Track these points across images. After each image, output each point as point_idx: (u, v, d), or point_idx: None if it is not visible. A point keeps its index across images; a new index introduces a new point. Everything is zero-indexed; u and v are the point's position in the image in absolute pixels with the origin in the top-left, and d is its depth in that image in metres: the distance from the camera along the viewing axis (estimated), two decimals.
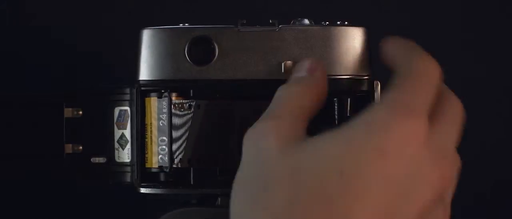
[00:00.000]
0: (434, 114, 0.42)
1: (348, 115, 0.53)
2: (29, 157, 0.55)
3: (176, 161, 0.52)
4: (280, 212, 0.40)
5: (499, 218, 0.75)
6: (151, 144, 0.52)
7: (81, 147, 0.54)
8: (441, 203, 0.41)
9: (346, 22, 0.52)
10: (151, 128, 0.52)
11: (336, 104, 0.53)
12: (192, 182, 0.52)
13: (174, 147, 0.51)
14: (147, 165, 0.52)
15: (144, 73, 0.52)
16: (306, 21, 0.52)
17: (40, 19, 0.73)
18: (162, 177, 0.52)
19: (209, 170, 0.52)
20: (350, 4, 0.74)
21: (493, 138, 0.75)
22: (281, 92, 0.46)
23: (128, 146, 0.54)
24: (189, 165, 0.52)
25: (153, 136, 0.52)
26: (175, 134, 0.51)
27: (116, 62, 0.71)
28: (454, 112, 0.44)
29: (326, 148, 0.40)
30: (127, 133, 0.54)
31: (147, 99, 0.52)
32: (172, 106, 0.52)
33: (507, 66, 0.75)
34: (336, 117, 0.53)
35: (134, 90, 0.52)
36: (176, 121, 0.52)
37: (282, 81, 0.51)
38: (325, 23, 0.52)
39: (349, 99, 0.53)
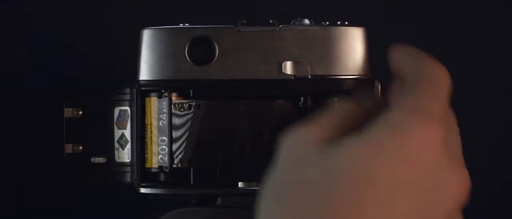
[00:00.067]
0: (444, 120, 0.42)
1: None
2: (29, 157, 0.55)
3: (176, 161, 0.52)
4: (311, 214, 0.39)
5: (499, 218, 0.75)
6: (151, 144, 0.52)
7: (81, 147, 0.54)
8: (459, 211, 0.41)
9: (346, 22, 0.52)
10: (151, 128, 0.52)
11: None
12: (192, 182, 0.52)
13: (174, 147, 0.51)
14: (147, 165, 0.52)
15: (144, 73, 0.52)
16: (306, 21, 0.52)
17: (40, 19, 0.73)
18: (162, 177, 0.52)
19: (209, 170, 0.52)
20: (350, 4, 0.74)
21: (493, 138, 0.75)
22: (326, 107, 0.45)
23: (128, 146, 0.54)
24: (189, 165, 0.52)
25: (153, 136, 0.52)
26: (175, 134, 0.51)
27: (116, 62, 0.71)
28: (455, 119, 0.45)
29: (357, 152, 0.40)
30: (127, 133, 0.54)
31: (147, 99, 0.52)
32: (172, 106, 0.52)
33: (507, 66, 0.75)
34: None
35: (134, 90, 0.52)
36: (176, 121, 0.52)
37: (282, 81, 0.51)
38: (325, 23, 0.52)
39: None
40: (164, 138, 0.52)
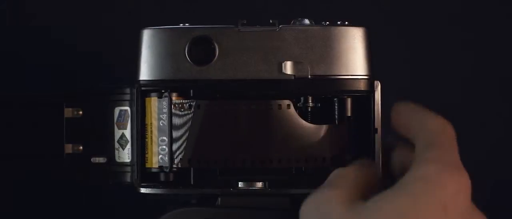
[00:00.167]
0: None
1: (348, 114, 0.53)
2: (29, 157, 0.55)
3: (176, 161, 0.52)
4: None
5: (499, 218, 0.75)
6: (151, 144, 0.52)
7: (81, 147, 0.54)
8: None
9: (346, 22, 0.52)
10: (151, 128, 0.52)
11: (336, 104, 0.53)
12: (192, 182, 0.52)
13: (174, 147, 0.51)
14: (147, 165, 0.52)
15: (144, 73, 0.52)
16: (306, 21, 0.52)
17: (40, 19, 0.73)
18: (162, 177, 0.52)
19: (209, 170, 0.52)
20: (350, 4, 0.74)
21: (493, 138, 0.75)
22: (338, 171, 0.48)
23: (128, 146, 0.54)
24: (189, 165, 0.52)
25: (153, 136, 0.52)
26: (175, 134, 0.51)
27: (116, 62, 0.71)
28: None
29: (391, 206, 0.43)
30: (127, 133, 0.54)
31: (147, 99, 0.52)
32: (172, 106, 0.52)
33: (507, 66, 0.75)
34: (336, 116, 0.53)
35: (134, 90, 0.52)
36: (176, 121, 0.52)
37: (282, 81, 0.51)
38: (325, 23, 0.52)
39: (349, 99, 0.53)
40: (164, 138, 0.52)
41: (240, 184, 0.52)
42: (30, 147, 0.55)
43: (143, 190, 0.52)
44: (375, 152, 0.51)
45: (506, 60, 0.75)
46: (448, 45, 0.75)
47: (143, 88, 0.52)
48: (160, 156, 0.52)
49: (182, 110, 0.52)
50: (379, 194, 0.44)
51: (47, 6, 0.73)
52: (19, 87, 0.72)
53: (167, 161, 0.52)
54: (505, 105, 0.75)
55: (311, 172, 0.51)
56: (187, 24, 0.52)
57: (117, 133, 0.54)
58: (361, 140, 0.52)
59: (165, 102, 0.52)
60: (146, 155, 0.52)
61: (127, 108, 0.54)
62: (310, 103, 0.52)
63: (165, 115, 0.52)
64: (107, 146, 0.54)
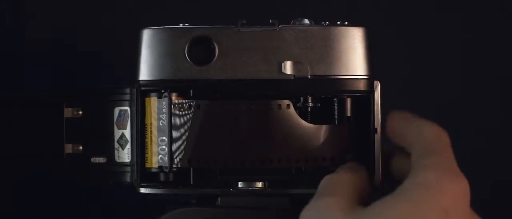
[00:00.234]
0: None
1: (348, 114, 0.53)
2: (29, 157, 0.55)
3: (176, 161, 0.52)
4: None
5: (499, 218, 0.75)
6: (151, 144, 0.52)
7: (81, 147, 0.54)
8: None
9: (346, 22, 0.52)
10: (151, 128, 0.52)
11: (336, 104, 0.53)
12: (192, 182, 0.52)
13: (174, 147, 0.51)
14: (147, 165, 0.52)
15: (144, 73, 0.52)
16: (306, 21, 0.52)
17: (40, 19, 0.73)
18: (162, 177, 0.52)
19: (209, 170, 0.52)
20: (350, 4, 0.74)
21: (493, 138, 0.75)
22: (330, 178, 0.49)
23: (128, 146, 0.54)
24: (189, 165, 0.52)
25: (153, 136, 0.52)
26: (175, 134, 0.51)
27: (116, 62, 0.71)
28: None
29: (392, 212, 0.43)
30: (127, 133, 0.54)
31: (147, 99, 0.52)
32: (172, 106, 0.52)
33: (507, 66, 0.75)
34: (336, 116, 0.53)
35: (134, 90, 0.52)
36: (176, 121, 0.52)
37: (282, 81, 0.51)
38: (325, 23, 0.52)
39: (349, 100, 0.53)
40: (164, 138, 0.52)
41: (240, 184, 0.52)
42: (30, 147, 0.55)
43: (143, 190, 0.52)
44: (374, 152, 0.51)
45: (506, 60, 0.75)
46: (448, 45, 0.75)
47: (143, 88, 0.52)
48: (160, 156, 0.52)
49: (182, 110, 0.52)
50: (379, 200, 0.44)
51: (47, 6, 0.73)
52: (19, 87, 0.72)
53: (167, 161, 0.52)
54: (505, 105, 0.75)
55: (311, 172, 0.51)
56: (187, 24, 0.52)
57: (117, 133, 0.54)
58: (361, 140, 0.52)
59: (165, 102, 0.52)
60: (146, 155, 0.52)
61: (127, 108, 0.54)
62: (310, 103, 0.52)
63: (165, 115, 0.52)
64: (107, 146, 0.54)
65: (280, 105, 0.51)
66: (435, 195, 0.43)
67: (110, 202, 0.72)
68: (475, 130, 0.75)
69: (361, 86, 0.52)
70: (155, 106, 0.52)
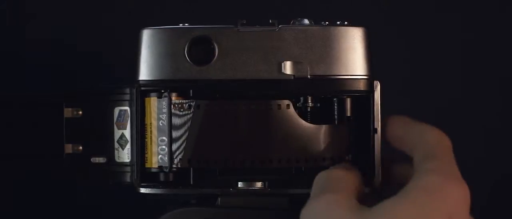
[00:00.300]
0: None
1: (348, 114, 0.53)
2: (29, 157, 0.55)
3: (176, 161, 0.52)
4: None
5: (499, 217, 0.75)
6: (151, 144, 0.52)
7: (81, 147, 0.54)
8: None
9: (346, 22, 0.52)
10: (151, 128, 0.52)
11: (336, 104, 0.53)
12: (192, 182, 0.52)
13: (174, 147, 0.51)
14: (147, 165, 0.52)
15: (144, 73, 0.52)
16: (306, 21, 0.52)
17: (40, 19, 0.73)
18: (162, 177, 0.52)
19: (208, 170, 0.52)
20: (350, 4, 0.74)
21: (493, 138, 0.75)
22: (326, 174, 0.49)
23: (128, 146, 0.54)
24: (189, 165, 0.52)
25: (153, 136, 0.52)
26: (175, 134, 0.51)
27: (116, 62, 0.71)
28: None
29: (399, 214, 0.44)
30: (127, 133, 0.54)
31: (147, 99, 0.52)
32: (172, 106, 0.52)
33: (507, 66, 0.75)
34: (335, 116, 0.53)
35: (134, 90, 0.52)
36: (176, 121, 0.52)
37: (281, 81, 0.51)
38: (325, 23, 0.52)
39: (349, 100, 0.53)
40: (164, 138, 0.52)
41: (240, 184, 0.52)
42: (30, 147, 0.55)
43: (142, 190, 0.52)
44: (374, 152, 0.51)
45: (506, 60, 0.75)
46: (448, 45, 0.75)
47: (142, 88, 0.52)
48: (160, 156, 0.52)
49: (182, 110, 0.52)
50: (384, 201, 0.45)
51: (47, 6, 0.73)
52: (19, 87, 0.72)
53: (166, 161, 0.52)
54: (505, 105, 0.75)
55: (311, 172, 0.51)
56: (186, 24, 0.52)
57: (117, 133, 0.54)
58: (360, 140, 0.52)
59: (164, 102, 0.52)
60: (146, 155, 0.52)
61: (127, 108, 0.54)
62: (310, 103, 0.52)
63: (165, 115, 0.52)
64: (107, 146, 0.54)
65: (280, 105, 0.51)
66: (439, 199, 0.44)
67: (110, 202, 0.72)
68: (475, 130, 0.75)
69: (361, 86, 0.52)
70: (155, 106, 0.52)
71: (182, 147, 0.51)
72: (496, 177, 0.75)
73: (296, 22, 0.52)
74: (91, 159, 0.54)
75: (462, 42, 0.75)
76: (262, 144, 0.51)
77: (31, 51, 0.73)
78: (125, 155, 0.54)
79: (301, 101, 0.52)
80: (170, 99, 0.52)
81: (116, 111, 0.54)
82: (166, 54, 0.51)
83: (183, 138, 0.51)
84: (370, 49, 0.52)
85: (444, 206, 0.44)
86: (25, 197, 0.73)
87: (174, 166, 0.52)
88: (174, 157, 0.51)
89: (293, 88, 0.51)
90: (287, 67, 0.51)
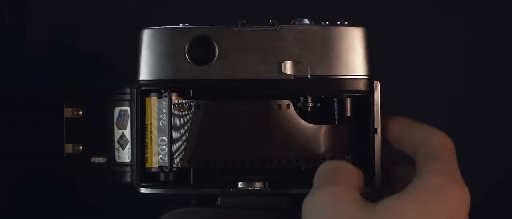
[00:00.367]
0: None
1: (348, 114, 0.53)
2: (29, 157, 0.55)
3: (176, 161, 0.52)
4: None
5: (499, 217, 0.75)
6: (151, 144, 0.52)
7: (81, 147, 0.54)
8: None
9: (346, 22, 0.52)
10: (151, 128, 0.52)
11: (336, 104, 0.53)
12: (192, 182, 0.52)
13: (174, 147, 0.51)
14: (147, 165, 0.52)
15: (144, 73, 0.52)
16: (306, 21, 0.52)
17: (40, 19, 0.73)
18: (162, 177, 0.52)
19: (209, 170, 0.52)
20: (350, 4, 0.74)
21: (493, 138, 0.75)
22: (330, 165, 0.49)
23: (128, 146, 0.54)
24: (189, 165, 0.52)
25: (153, 136, 0.52)
26: (175, 134, 0.51)
27: (116, 62, 0.71)
28: None
29: (402, 212, 0.44)
30: (127, 133, 0.54)
31: (147, 99, 0.52)
32: (172, 106, 0.52)
33: (507, 66, 0.75)
34: (336, 116, 0.53)
35: (134, 90, 0.52)
36: (176, 121, 0.51)
37: (281, 81, 0.51)
38: (325, 23, 0.52)
39: (349, 100, 0.53)
40: (164, 138, 0.52)
41: (240, 184, 0.52)
42: (30, 147, 0.55)
43: (143, 190, 0.52)
44: (375, 152, 0.51)
45: (506, 60, 0.75)
46: (448, 45, 0.75)
47: (143, 88, 0.52)
48: (160, 156, 0.52)
49: (182, 110, 0.52)
50: (388, 198, 0.45)
51: (47, 6, 0.73)
52: (19, 87, 0.72)
53: (167, 161, 0.52)
54: (505, 105, 0.75)
55: (311, 172, 0.51)
56: (187, 24, 0.52)
57: (117, 133, 0.54)
58: (361, 140, 0.52)
59: (165, 102, 0.52)
60: (146, 155, 0.52)
61: (127, 108, 0.54)
62: (310, 103, 0.52)
63: (165, 115, 0.52)
64: (107, 146, 0.54)
65: (280, 105, 0.51)
66: (440, 200, 0.45)
67: (110, 202, 0.72)
68: (475, 130, 0.75)
69: (361, 86, 0.52)
70: (155, 106, 0.52)
71: (183, 147, 0.51)
72: (496, 177, 0.75)
73: (296, 22, 0.52)
74: (91, 159, 0.54)
75: (462, 42, 0.75)
76: (262, 144, 0.51)
77: (31, 51, 0.73)
78: (125, 155, 0.54)
79: (301, 101, 0.52)
80: (171, 99, 0.52)
81: (116, 110, 0.54)
82: (166, 54, 0.51)
83: (184, 138, 0.51)
84: (370, 49, 0.52)
85: (445, 207, 0.44)
86: (25, 197, 0.73)
87: (174, 166, 0.52)
88: (175, 157, 0.51)
89: (293, 88, 0.51)
90: (287, 67, 0.51)
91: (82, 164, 0.54)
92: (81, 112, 0.54)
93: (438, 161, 0.47)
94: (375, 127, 0.51)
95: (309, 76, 0.51)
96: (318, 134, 0.51)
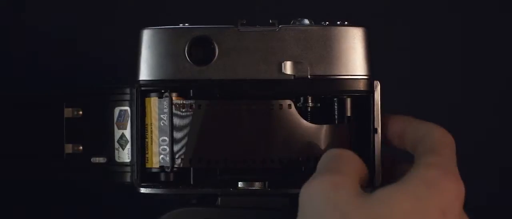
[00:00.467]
0: None
1: (348, 114, 0.53)
2: (29, 157, 0.55)
3: (177, 161, 0.52)
4: None
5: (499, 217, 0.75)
6: (151, 144, 0.52)
7: (81, 147, 0.54)
8: None
9: (346, 22, 0.52)
10: (151, 127, 0.52)
11: (336, 104, 0.53)
12: (192, 182, 0.52)
13: (175, 147, 0.51)
14: (148, 165, 0.52)
15: (144, 73, 0.52)
16: (306, 21, 0.52)
17: (40, 19, 0.73)
18: (162, 177, 0.52)
19: (209, 170, 0.52)
20: (350, 4, 0.74)
21: (493, 138, 0.75)
22: (335, 153, 0.49)
23: (128, 146, 0.54)
24: (190, 165, 0.52)
25: (154, 136, 0.52)
26: (176, 134, 0.51)
27: (116, 62, 0.71)
28: None
29: (396, 203, 0.44)
30: (127, 133, 0.54)
31: (147, 99, 0.52)
32: (173, 106, 0.52)
33: (508, 66, 0.75)
34: (336, 116, 0.53)
35: (134, 90, 0.52)
36: (176, 121, 0.52)
37: (282, 81, 0.51)
38: (325, 23, 0.52)
39: (349, 100, 0.53)
40: (165, 138, 0.52)
41: (240, 184, 0.52)
42: (30, 147, 0.55)
43: (143, 190, 0.52)
44: (375, 152, 0.51)
45: (506, 60, 0.75)
46: (448, 45, 0.75)
47: (143, 88, 0.52)
48: (161, 156, 0.52)
49: (183, 110, 0.52)
50: (382, 189, 0.45)
51: (47, 6, 0.73)
52: (19, 87, 0.72)
53: (168, 161, 0.52)
54: (505, 105, 0.75)
55: (311, 172, 0.51)
56: (187, 24, 0.52)
57: (117, 133, 0.54)
58: (361, 140, 0.52)
59: (166, 102, 0.52)
60: (146, 155, 0.52)
61: (127, 108, 0.54)
62: (310, 103, 0.52)
63: (166, 115, 0.52)
64: (107, 146, 0.54)
65: (281, 105, 0.51)
66: (435, 193, 0.45)
67: (110, 202, 0.72)
68: (475, 130, 0.75)
69: (361, 86, 0.52)
70: (156, 106, 0.52)
71: (184, 147, 0.51)
72: (496, 177, 0.75)
73: (296, 22, 0.52)
74: (91, 159, 0.54)
75: (462, 42, 0.75)
76: (263, 144, 0.51)
77: (31, 51, 0.73)
78: (125, 155, 0.54)
79: (301, 101, 0.52)
80: (171, 99, 0.52)
81: (116, 110, 0.54)
82: (166, 54, 0.51)
83: (184, 138, 0.51)
84: (370, 49, 0.52)
85: (439, 200, 0.44)
86: (25, 197, 0.73)
87: (175, 165, 0.52)
88: (176, 157, 0.51)
89: (293, 88, 0.51)
90: (287, 67, 0.51)
91: (82, 164, 0.54)
92: (81, 112, 0.54)
93: (436, 155, 0.47)
94: (375, 127, 0.51)
95: (309, 76, 0.51)
96: (319, 134, 0.51)
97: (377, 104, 0.52)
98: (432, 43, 0.75)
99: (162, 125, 0.52)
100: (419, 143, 0.49)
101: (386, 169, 0.52)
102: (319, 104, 0.53)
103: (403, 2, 0.75)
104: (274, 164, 0.51)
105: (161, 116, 0.52)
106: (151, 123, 0.52)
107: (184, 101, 0.52)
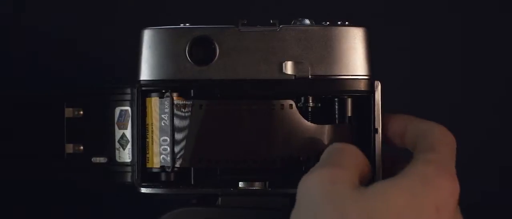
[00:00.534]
0: None
1: (348, 114, 0.53)
2: (30, 157, 0.55)
3: (178, 161, 0.52)
4: None
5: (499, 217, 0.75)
6: (152, 144, 0.52)
7: (82, 147, 0.54)
8: None
9: (346, 22, 0.52)
10: (152, 128, 0.52)
11: (336, 104, 0.53)
12: (192, 182, 0.52)
13: (176, 147, 0.52)
14: (148, 165, 0.52)
15: (145, 73, 0.52)
16: (307, 21, 0.52)
17: (40, 19, 0.73)
18: (162, 177, 0.52)
19: (209, 170, 0.52)
20: (350, 4, 0.74)
21: (493, 138, 0.75)
22: (337, 147, 0.49)
23: (129, 146, 0.54)
24: (190, 165, 0.52)
25: (155, 136, 0.52)
26: (176, 134, 0.51)
27: (117, 62, 0.71)
28: None
29: (391, 198, 0.45)
30: (128, 133, 0.54)
31: (148, 99, 0.52)
32: (174, 106, 0.52)
33: (508, 66, 0.75)
34: (336, 116, 0.53)
35: (135, 90, 0.52)
36: (177, 121, 0.52)
37: (282, 81, 0.51)
38: (326, 23, 0.52)
39: (349, 99, 0.53)
40: (166, 138, 0.52)
41: (241, 184, 0.52)
42: (30, 147, 0.55)
43: (143, 190, 0.52)
44: (375, 152, 0.51)
45: (506, 60, 0.75)
46: (448, 45, 0.75)
47: (143, 88, 0.52)
48: (162, 156, 0.52)
49: (183, 110, 0.52)
50: (379, 183, 0.46)
51: (47, 6, 0.73)
52: (19, 87, 0.72)
53: (169, 161, 0.52)
54: (505, 105, 0.75)
55: None
56: (187, 24, 0.52)
57: (118, 133, 0.54)
58: (361, 140, 0.52)
59: (167, 102, 0.52)
60: (147, 155, 0.52)
61: (128, 108, 0.54)
62: (311, 104, 0.52)
63: (167, 115, 0.52)
64: (108, 146, 0.54)
65: (282, 105, 0.51)
66: (430, 190, 0.45)
67: (110, 202, 0.72)
68: (475, 130, 0.75)
69: (362, 86, 0.52)
70: (157, 106, 0.52)
71: (184, 147, 0.51)
72: (496, 177, 0.75)
73: (297, 22, 0.52)
74: (92, 159, 0.54)
75: (462, 42, 0.75)
76: (264, 144, 0.51)
77: (31, 51, 0.73)
78: (126, 155, 0.54)
79: (302, 101, 0.52)
80: (172, 99, 0.52)
81: (117, 110, 0.54)
82: (167, 54, 0.52)
83: (185, 138, 0.51)
84: (371, 49, 0.52)
85: (434, 197, 0.45)
86: (26, 197, 0.73)
87: (176, 165, 0.52)
88: (177, 157, 0.51)
89: (294, 88, 0.51)
90: (288, 67, 0.51)
91: (83, 164, 0.54)
92: (81, 112, 0.54)
93: (435, 152, 0.47)
94: (376, 127, 0.51)
95: (309, 76, 0.51)
96: (320, 134, 0.52)
97: (378, 104, 0.52)
98: (432, 43, 0.75)
99: (163, 125, 0.52)
100: (419, 140, 0.49)
101: (387, 168, 0.52)
102: (319, 105, 0.53)
103: (403, 2, 0.75)
104: (275, 164, 0.51)
105: (162, 116, 0.52)
106: (151, 123, 0.52)
107: (185, 102, 0.52)
